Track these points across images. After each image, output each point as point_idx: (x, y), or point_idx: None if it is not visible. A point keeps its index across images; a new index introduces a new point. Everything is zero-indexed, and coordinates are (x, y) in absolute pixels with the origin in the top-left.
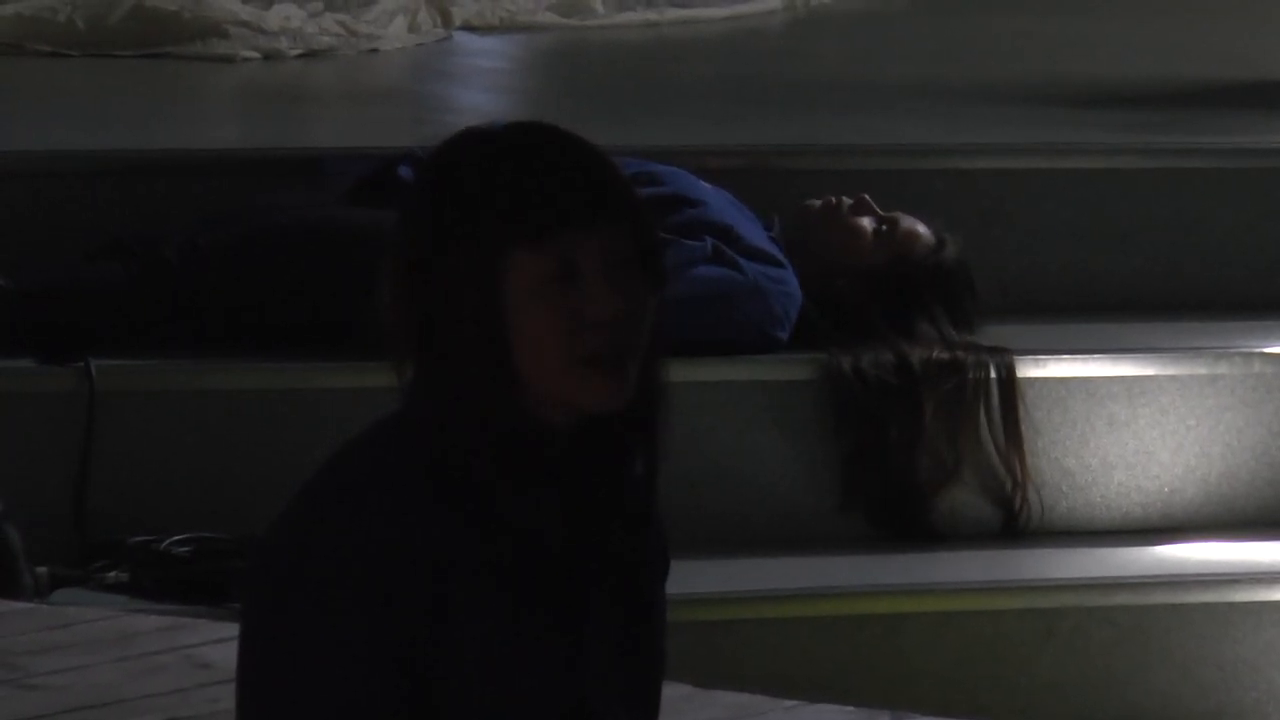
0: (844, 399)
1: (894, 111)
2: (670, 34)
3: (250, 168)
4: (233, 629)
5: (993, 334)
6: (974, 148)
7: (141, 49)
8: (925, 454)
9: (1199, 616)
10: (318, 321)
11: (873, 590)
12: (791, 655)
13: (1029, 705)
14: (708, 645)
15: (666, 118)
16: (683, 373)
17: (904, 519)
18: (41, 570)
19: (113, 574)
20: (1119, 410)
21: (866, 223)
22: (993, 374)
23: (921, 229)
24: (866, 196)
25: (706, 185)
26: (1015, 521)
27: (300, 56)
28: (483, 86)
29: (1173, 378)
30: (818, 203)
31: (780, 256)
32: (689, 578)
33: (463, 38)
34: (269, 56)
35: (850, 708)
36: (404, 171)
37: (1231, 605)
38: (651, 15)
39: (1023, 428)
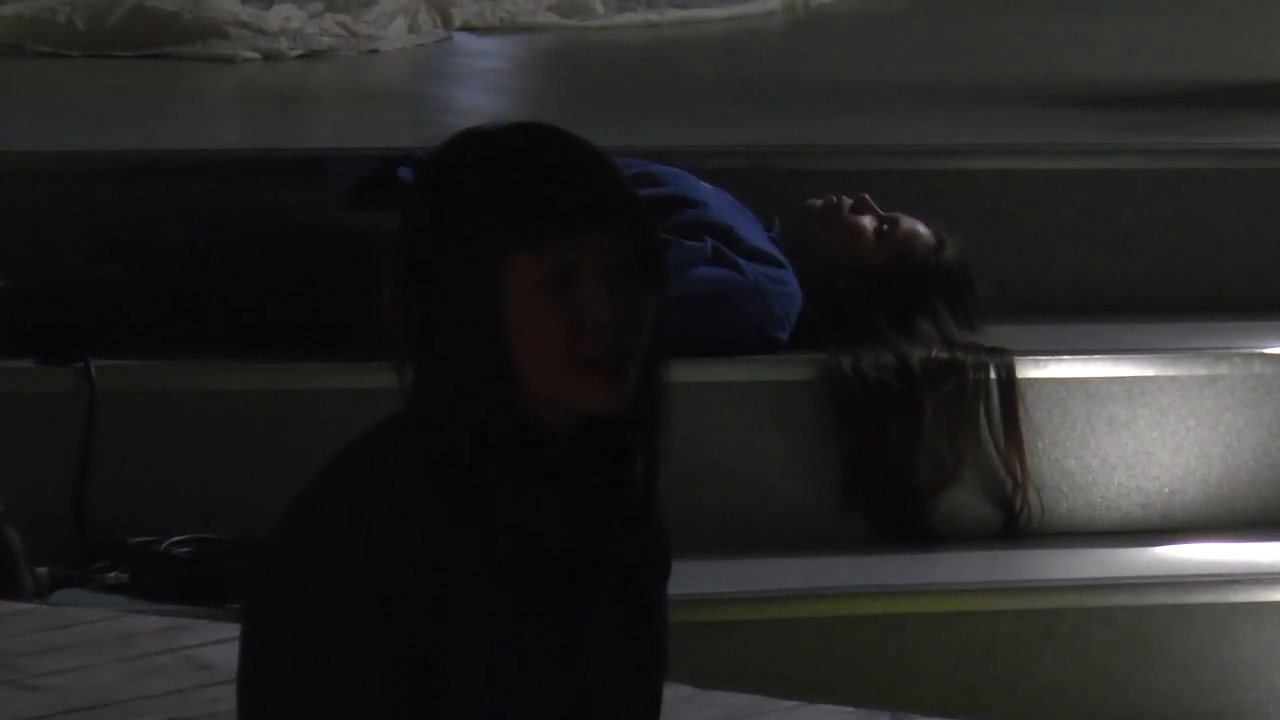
0: (844, 399)
1: (894, 112)
2: (670, 35)
3: (250, 168)
4: (233, 630)
5: (993, 334)
6: (974, 148)
7: (141, 50)
8: (925, 455)
9: (1199, 617)
10: (318, 322)
11: (873, 591)
12: (791, 656)
13: (1029, 706)
14: (708, 646)
15: (667, 118)
16: (683, 373)
17: (904, 520)
18: (41, 571)
19: (113, 575)
20: (1119, 411)
21: (867, 222)
22: (993, 375)
23: (922, 229)
24: (867, 196)
25: (706, 186)
26: (1015, 522)
27: (300, 57)
28: (483, 87)
29: (1173, 378)
30: (818, 202)
31: (780, 257)
32: (689, 578)
33: (463, 38)
34: (269, 57)
35: (850, 708)
36: (404, 172)
37: (1231, 606)
38: (652, 16)
39: (1023, 428)
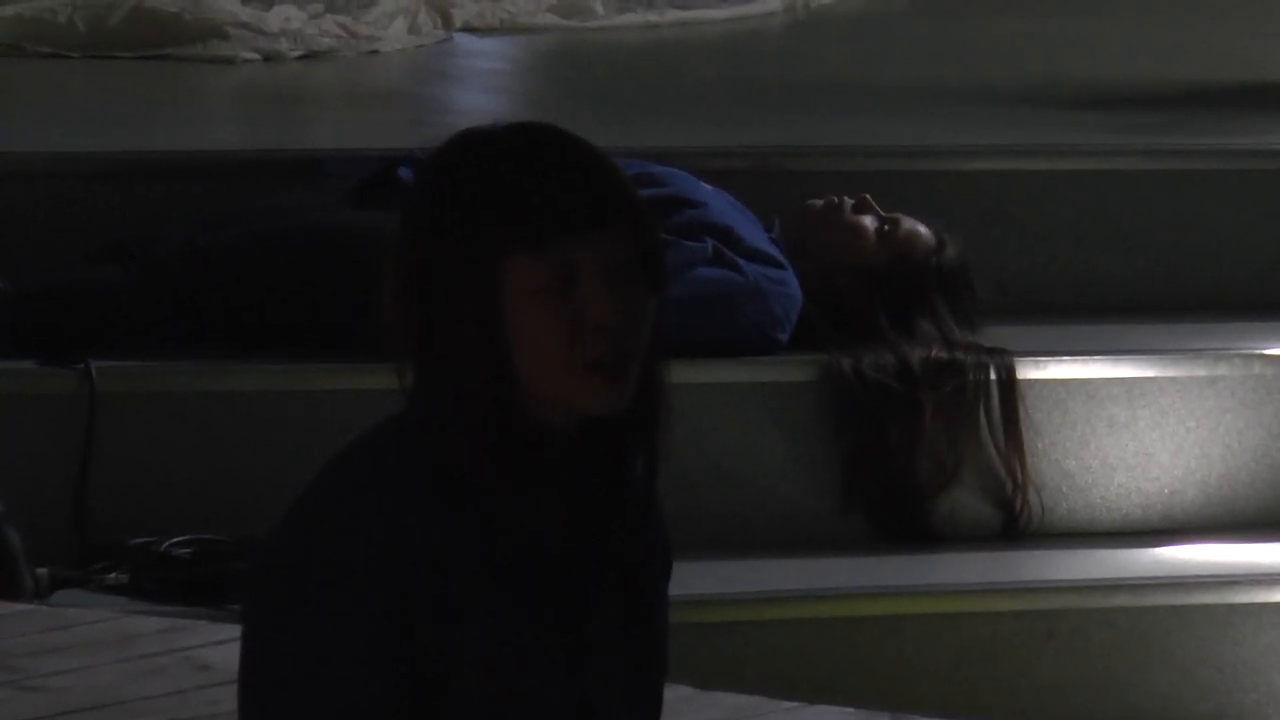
0: (844, 400)
1: (894, 113)
2: (670, 36)
3: (250, 169)
4: (233, 631)
5: (993, 335)
6: (974, 148)
7: (141, 50)
8: (925, 456)
9: (1199, 618)
10: (318, 323)
11: (873, 592)
12: (791, 657)
13: (1029, 707)
14: (708, 647)
15: (667, 119)
16: (683, 374)
17: (904, 520)
18: (42, 571)
19: (113, 575)
20: (1119, 412)
21: (868, 222)
22: (993, 375)
23: (922, 229)
24: (868, 196)
25: (707, 186)
26: (1015, 523)
27: (300, 58)
28: (483, 88)
29: (1173, 379)
30: (819, 202)
31: (780, 258)
32: (689, 579)
33: (463, 39)
34: (269, 58)
35: (850, 709)
36: (404, 173)
37: (1231, 607)
38: (652, 17)
39: (1023, 429)
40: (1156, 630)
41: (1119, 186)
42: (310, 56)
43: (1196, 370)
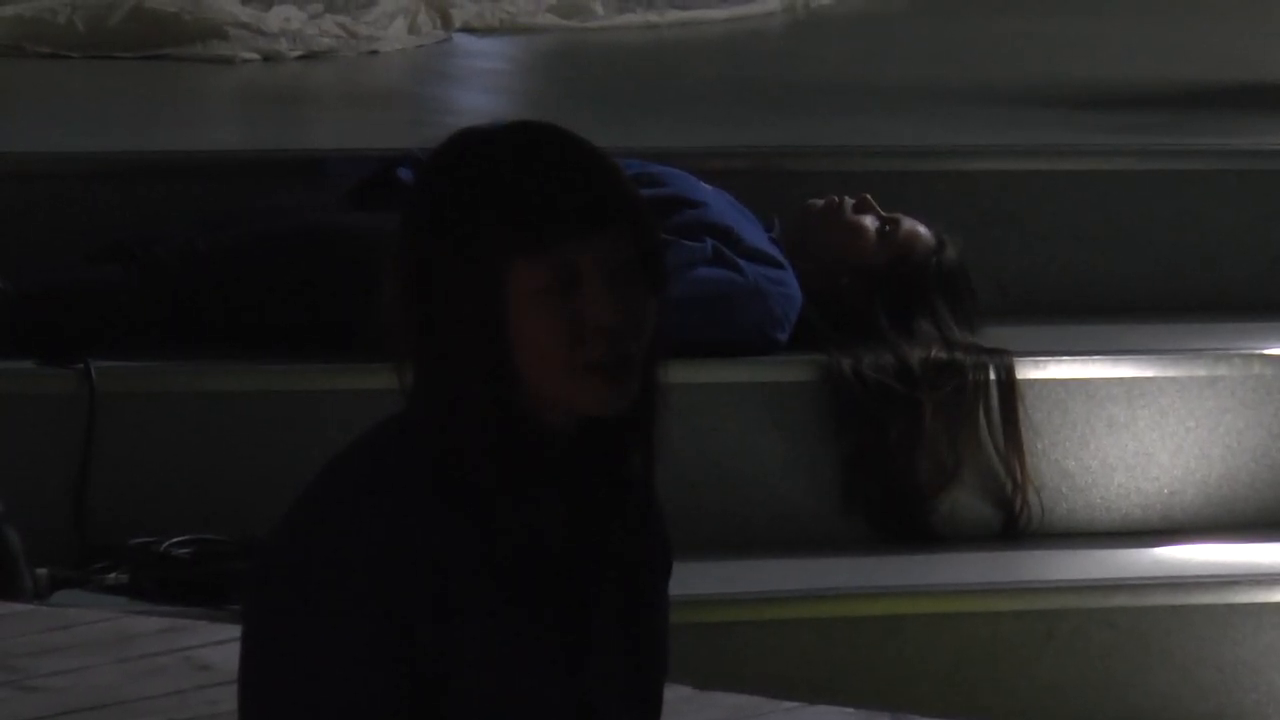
0: (844, 400)
1: (894, 113)
2: (670, 36)
3: (250, 170)
4: (233, 631)
5: (993, 335)
6: (974, 149)
7: (141, 51)
8: (925, 456)
9: (1199, 618)
10: (318, 323)
11: (872, 592)
12: (791, 657)
13: (1029, 707)
14: (708, 647)
15: (667, 119)
16: (683, 374)
17: (904, 521)
18: (42, 572)
19: (113, 575)
20: (1119, 412)
21: (869, 222)
22: (992, 376)
23: (923, 230)
24: (869, 196)
25: (706, 186)
26: (1015, 523)
27: (300, 58)
28: (482, 88)
29: (1172, 379)
30: (820, 202)
31: (780, 258)
32: (689, 579)
33: (462, 39)
34: (269, 58)
35: (850, 709)
36: (404, 173)
37: (1231, 607)
38: (651, 17)
39: (1022, 429)
40: (1156, 630)
41: (1119, 186)
42: (310, 56)
43: (1196, 370)
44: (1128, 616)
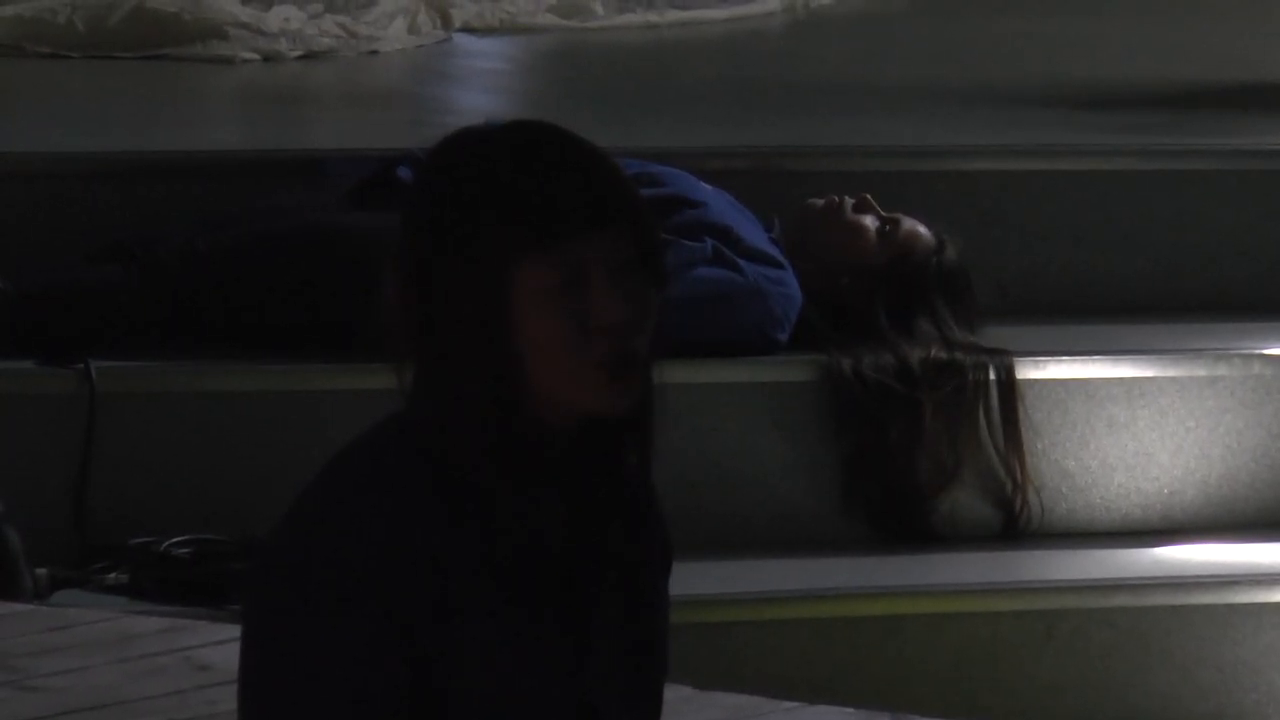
0: (844, 400)
1: (894, 113)
2: (670, 36)
3: (250, 170)
4: (233, 631)
5: (992, 335)
6: (974, 149)
7: (141, 51)
8: (925, 456)
9: (1199, 618)
10: (318, 323)
11: (872, 592)
12: (791, 657)
13: (1028, 707)
14: (707, 647)
15: (667, 119)
16: (683, 374)
17: (904, 521)
18: (42, 572)
19: (113, 575)
20: (1119, 412)
21: (869, 222)
22: (992, 376)
23: (923, 230)
24: (869, 196)
25: (706, 186)
26: (1015, 523)
27: (300, 58)
28: (482, 88)
29: (1172, 379)
30: (820, 201)
31: (780, 258)
32: (689, 579)
33: (462, 39)
34: (269, 58)
35: (850, 709)
36: (404, 173)
37: (1231, 607)
38: (651, 17)
39: (1022, 429)
40: (1156, 630)
41: (1119, 186)
42: (310, 56)
43: (1196, 370)
44: (1128, 616)
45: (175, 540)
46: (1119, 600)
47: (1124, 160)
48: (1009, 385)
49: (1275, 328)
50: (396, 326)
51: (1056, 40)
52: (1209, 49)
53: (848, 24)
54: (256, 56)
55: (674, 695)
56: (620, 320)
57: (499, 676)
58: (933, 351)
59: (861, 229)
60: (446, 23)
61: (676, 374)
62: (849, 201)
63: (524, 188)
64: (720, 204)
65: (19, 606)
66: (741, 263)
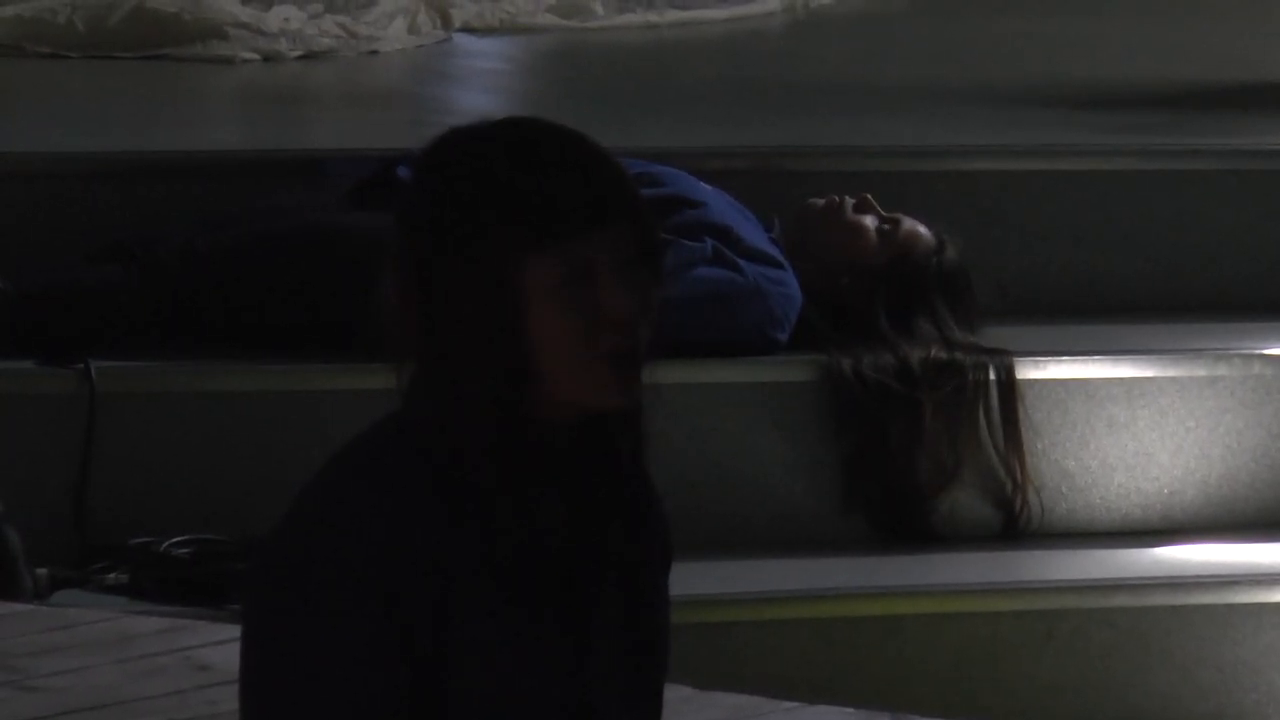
0: (844, 400)
1: (894, 113)
2: (670, 36)
3: (250, 170)
4: (233, 631)
5: (992, 335)
6: (974, 149)
7: (141, 51)
8: (925, 456)
9: (1199, 618)
10: (318, 323)
11: (872, 592)
12: (791, 657)
13: (1029, 707)
14: (707, 647)
15: (667, 119)
16: (683, 374)
17: (904, 521)
18: (41, 572)
19: (113, 575)
20: (1119, 412)
21: (869, 222)
22: (992, 376)
23: (923, 230)
24: (869, 196)
25: (706, 186)
26: (1015, 523)
27: (300, 58)
28: (482, 88)
29: (1172, 379)
30: (820, 201)
31: (780, 258)
32: (689, 579)
33: (462, 39)
34: (269, 58)
35: (850, 709)
36: (403, 173)
37: (1231, 607)
38: (651, 17)
39: (1022, 429)
40: (1156, 630)
41: (1119, 186)
42: (310, 56)
43: (1196, 370)
44: (1128, 616)
45: (175, 540)
46: (1119, 600)
47: (1124, 160)
48: (1009, 385)
49: (1275, 328)
50: (396, 326)
51: (1056, 40)
52: (1209, 49)
53: (848, 24)
54: (256, 56)
55: (674, 695)
56: (628, 315)
57: (499, 676)
58: (933, 351)
59: (862, 229)
60: (446, 23)
61: (676, 374)
62: (849, 201)
63: (524, 187)
64: (720, 204)
65: (19, 606)
66: (741, 263)
